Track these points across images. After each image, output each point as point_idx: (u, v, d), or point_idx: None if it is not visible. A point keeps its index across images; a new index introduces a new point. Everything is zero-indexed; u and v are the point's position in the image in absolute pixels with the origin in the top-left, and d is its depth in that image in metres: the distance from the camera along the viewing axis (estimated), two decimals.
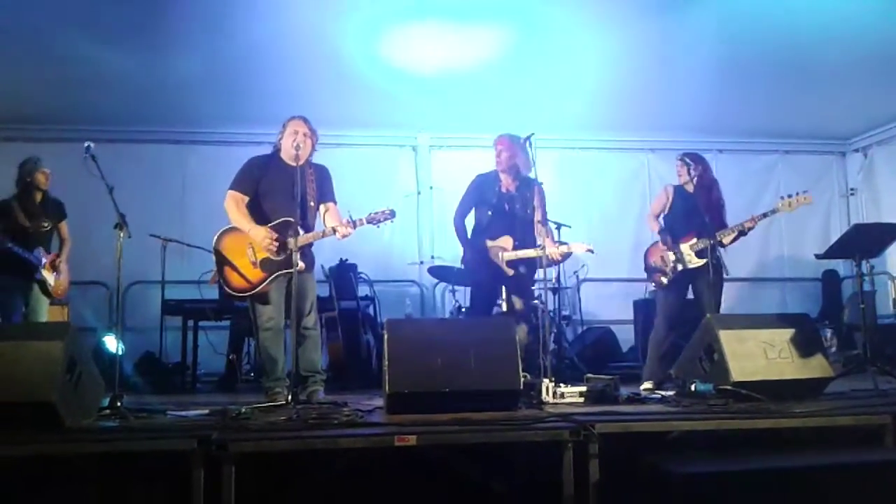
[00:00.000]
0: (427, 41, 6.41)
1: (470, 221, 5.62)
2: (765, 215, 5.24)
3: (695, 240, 5.31)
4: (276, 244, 4.56)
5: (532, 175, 5.19)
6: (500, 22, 6.16)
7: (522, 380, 3.99)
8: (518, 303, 5.42)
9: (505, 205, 5.40)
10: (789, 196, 5.22)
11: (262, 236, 4.57)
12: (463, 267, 5.80)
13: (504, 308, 5.59)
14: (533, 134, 4.88)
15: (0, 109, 7.46)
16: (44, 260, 5.60)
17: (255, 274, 4.61)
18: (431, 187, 8.56)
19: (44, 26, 5.82)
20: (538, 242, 5.16)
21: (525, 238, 5.34)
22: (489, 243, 5.40)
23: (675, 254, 5.37)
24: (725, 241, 5.26)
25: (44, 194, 5.71)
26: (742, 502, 2.97)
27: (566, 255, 5.29)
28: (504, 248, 5.34)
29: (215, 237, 4.75)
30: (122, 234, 4.36)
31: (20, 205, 5.61)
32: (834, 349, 7.46)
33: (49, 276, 5.62)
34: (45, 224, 5.68)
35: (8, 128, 7.77)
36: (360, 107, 7.57)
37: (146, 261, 7.11)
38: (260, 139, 7.90)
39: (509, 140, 5.38)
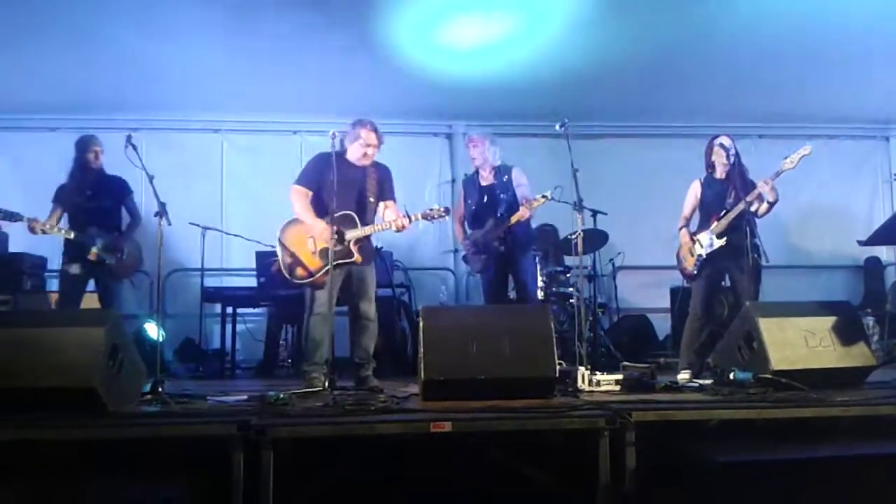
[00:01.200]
0: (462, 28, 6.38)
1: None
2: (772, 178, 5.09)
3: (716, 222, 5.24)
4: (336, 235, 4.69)
5: (571, 161, 5.20)
6: (531, 10, 6.12)
7: (558, 367, 3.98)
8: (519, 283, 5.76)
9: (485, 196, 5.80)
10: (792, 153, 5.08)
11: (321, 228, 4.74)
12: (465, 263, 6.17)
13: (513, 295, 5.73)
14: (567, 121, 4.86)
15: (43, 100, 7.59)
16: (98, 240, 5.45)
17: (314, 263, 4.79)
18: (466, 175, 8.54)
19: (86, 16, 5.89)
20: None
21: (507, 216, 5.66)
22: (477, 234, 5.79)
23: (697, 242, 5.32)
24: (760, 212, 5.16)
25: (99, 172, 5.63)
26: (781, 492, 2.94)
27: (531, 209, 5.57)
28: (489, 230, 5.70)
29: (280, 228, 4.95)
30: (162, 223, 4.43)
31: (74, 184, 5.58)
32: (876, 337, 7.33)
33: (107, 256, 5.46)
34: (102, 203, 5.58)
35: (51, 118, 7.91)
36: (395, 95, 7.56)
37: (186, 249, 7.24)
38: (296, 128, 8.07)
39: (478, 137, 5.88)
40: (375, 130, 4.95)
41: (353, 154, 4.93)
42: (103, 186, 5.64)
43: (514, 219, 5.55)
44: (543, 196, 5.45)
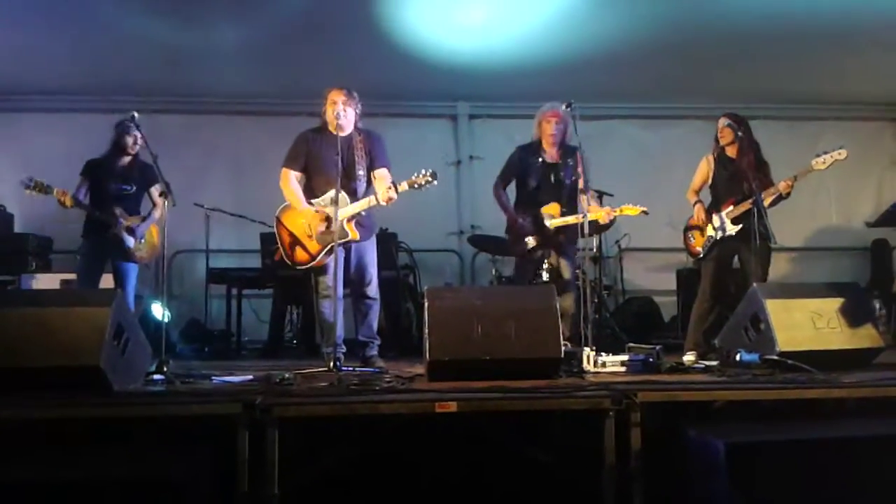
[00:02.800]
0: (466, 9, 6.34)
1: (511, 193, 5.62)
2: (798, 176, 5.06)
3: (731, 207, 5.21)
4: (325, 224, 4.64)
5: (578, 143, 5.14)
6: None
7: (563, 348, 3.97)
8: (566, 271, 5.42)
9: (550, 175, 5.42)
10: (824, 152, 4.99)
11: (310, 216, 4.70)
12: (507, 236, 5.74)
13: (546, 277, 5.57)
14: (573, 102, 4.83)
15: (49, 81, 7.58)
16: (121, 221, 5.48)
17: (313, 246, 4.73)
18: (471, 157, 8.52)
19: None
20: (582, 209, 5.08)
21: (570, 206, 5.36)
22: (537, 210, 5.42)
23: (711, 223, 5.28)
24: (764, 203, 5.12)
25: (133, 158, 5.61)
26: (788, 473, 2.93)
27: (612, 219, 5.32)
28: (552, 216, 5.38)
29: (276, 215, 4.89)
30: (166, 203, 4.42)
31: (106, 165, 5.57)
32: (884, 319, 7.30)
33: (128, 238, 5.49)
34: (128, 187, 5.59)
35: (58, 98, 7.90)
36: (399, 76, 7.53)
37: (191, 230, 7.24)
38: (301, 109, 7.99)
39: (562, 112, 5.31)
40: (341, 88, 4.77)
41: (331, 123, 4.71)
42: (135, 172, 5.63)
43: (596, 216, 5.16)
44: (644, 212, 5.23)
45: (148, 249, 5.68)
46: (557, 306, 4.06)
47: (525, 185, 5.52)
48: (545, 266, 5.48)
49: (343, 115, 4.69)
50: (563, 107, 5.08)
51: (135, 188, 5.65)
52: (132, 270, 5.63)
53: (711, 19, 6.49)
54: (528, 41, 6.88)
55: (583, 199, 5.13)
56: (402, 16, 6.37)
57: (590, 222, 4.86)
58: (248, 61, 7.16)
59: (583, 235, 4.95)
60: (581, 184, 5.14)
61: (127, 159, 5.61)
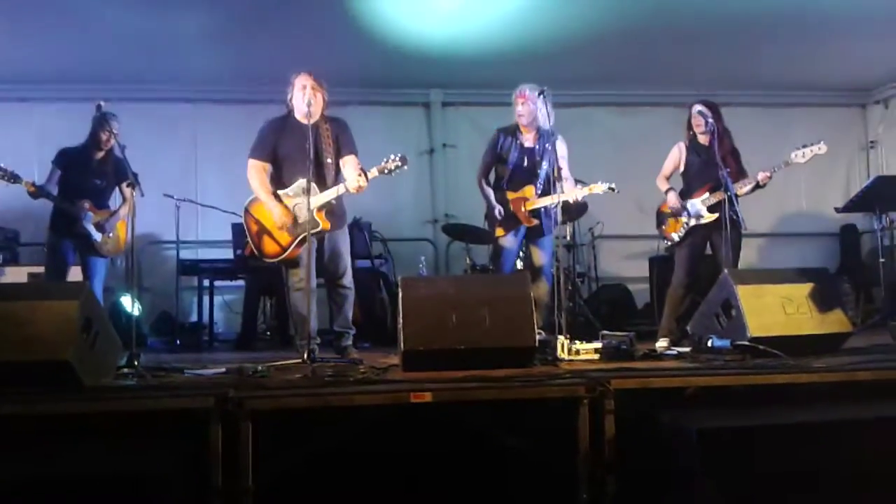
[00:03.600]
0: None
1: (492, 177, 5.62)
2: (777, 168, 5.13)
3: (707, 194, 5.24)
4: (291, 221, 4.58)
5: (550, 130, 5.15)
6: None
7: (537, 337, 3.98)
8: (539, 258, 5.42)
9: (525, 158, 5.40)
10: (804, 146, 5.10)
11: (278, 213, 4.61)
12: (486, 224, 5.73)
13: (520, 265, 5.58)
14: (546, 89, 4.82)
15: (10, 70, 7.42)
16: (90, 214, 5.43)
17: (284, 238, 4.65)
18: (445, 145, 8.49)
19: None
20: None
21: (548, 190, 5.36)
22: (510, 195, 5.41)
23: (686, 209, 5.31)
24: (740, 193, 5.18)
25: (108, 152, 5.52)
26: (759, 457, 2.97)
27: (583, 201, 5.32)
28: (526, 199, 5.37)
29: (244, 206, 4.80)
30: (135, 193, 4.36)
31: (80, 158, 5.50)
32: (852, 304, 7.41)
33: (94, 233, 5.44)
34: (100, 182, 5.54)
35: (19, 88, 7.75)
36: (370, 63, 7.47)
37: (161, 221, 7.15)
38: (270, 97, 7.90)
39: (531, 92, 5.31)
40: (310, 72, 4.67)
41: (299, 110, 4.59)
42: (108, 167, 5.56)
43: (568, 196, 5.22)
44: (611, 188, 5.25)
45: (115, 244, 5.62)
46: (531, 294, 4.06)
47: (502, 167, 5.49)
48: (520, 254, 5.50)
49: (313, 100, 4.58)
50: (536, 92, 5.07)
51: (106, 183, 5.59)
52: (101, 265, 5.58)
53: (683, 7, 6.51)
54: (502, 28, 6.85)
55: (562, 182, 5.22)
56: (374, 1, 6.31)
57: (564, 208, 4.88)
58: (213, 47, 7.03)
59: (555, 223, 4.98)
60: (558, 170, 5.21)
61: (101, 154, 5.54)
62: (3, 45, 6.83)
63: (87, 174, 5.50)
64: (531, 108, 5.33)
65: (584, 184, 5.42)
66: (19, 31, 6.57)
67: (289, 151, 4.66)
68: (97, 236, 5.46)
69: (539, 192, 5.38)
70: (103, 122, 5.34)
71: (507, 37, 7.00)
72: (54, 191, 5.40)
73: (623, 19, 6.68)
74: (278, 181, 4.75)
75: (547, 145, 5.39)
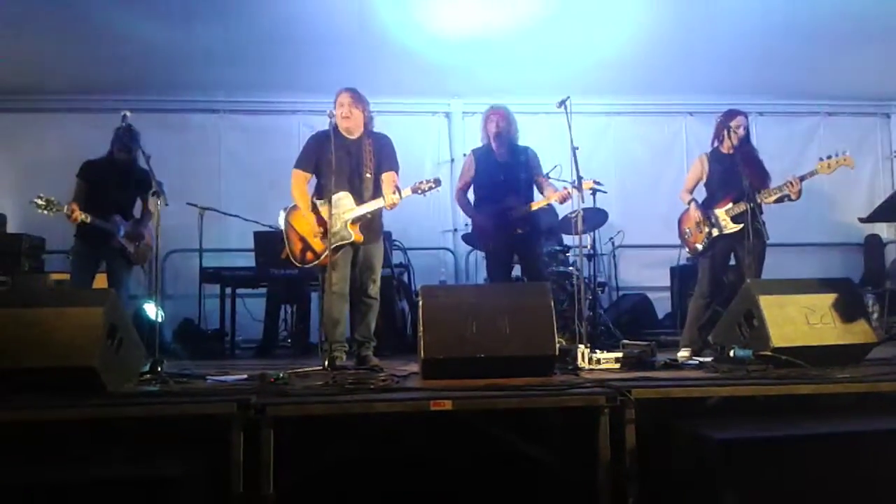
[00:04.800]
0: (459, 5, 6.32)
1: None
2: (803, 178, 5.09)
3: (731, 204, 5.21)
4: (323, 230, 4.73)
5: (570, 139, 5.15)
6: None
7: (558, 346, 3.97)
8: (530, 262, 5.58)
9: (502, 174, 5.53)
10: (828, 157, 5.05)
11: (312, 221, 4.80)
12: (475, 235, 5.91)
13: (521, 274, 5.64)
14: (568, 98, 4.83)
15: (40, 81, 7.55)
16: (122, 228, 5.53)
17: (319, 245, 4.79)
18: (465, 154, 8.49)
19: None
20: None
21: (527, 199, 5.49)
22: (493, 208, 5.52)
23: (709, 220, 5.28)
24: (768, 200, 5.14)
25: (132, 163, 5.56)
26: (782, 468, 2.94)
27: (567, 197, 5.31)
28: (511, 208, 5.46)
29: (284, 213, 4.95)
30: (159, 202, 4.41)
31: (105, 170, 5.56)
32: (877, 315, 7.33)
33: (128, 245, 5.54)
34: (125, 193, 5.63)
35: (47, 99, 7.87)
36: (392, 74, 7.51)
37: (184, 229, 7.21)
38: (294, 108, 8.02)
39: (505, 111, 5.57)
40: (349, 90, 4.86)
41: (341, 125, 4.84)
42: (132, 178, 5.61)
43: (552, 197, 5.36)
44: (596, 182, 5.30)
45: (145, 253, 5.72)
46: (552, 304, 4.06)
47: (481, 185, 5.65)
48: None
49: (349, 116, 4.78)
50: (556, 105, 5.06)
51: (130, 194, 5.68)
52: (129, 274, 5.67)
53: (706, 16, 6.50)
54: (523, 38, 6.87)
55: (543, 187, 5.45)
56: (395, 12, 6.36)
57: (583, 218, 4.90)
58: (239, 59, 7.13)
59: (576, 232, 4.98)
60: (537, 175, 5.50)
61: (125, 165, 5.59)
62: (30, 57, 6.95)
63: (113, 186, 5.56)
64: (498, 125, 5.52)
65: (597, 194, 5.46)
66: (46, 43, 6.68)
67: (330, 165, 4.75)
68: (131, 248, 5.57)
69: (522, 200, 5.47)
70: (125, 134, 5.43)
71: (528, 47, 7.01)
72: (83, 204, 5.44)
73: (645, 28, 6.68)
74: (320, 192, 4.90)
75: (521, 158, 5.55)
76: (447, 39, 6.92)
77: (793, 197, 5.12)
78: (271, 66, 7.33)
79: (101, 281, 5.71)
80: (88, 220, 5.29)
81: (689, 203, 5.43)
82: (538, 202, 5.45)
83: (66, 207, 5.25)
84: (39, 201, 5.21)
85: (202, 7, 6.16)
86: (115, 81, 7.51)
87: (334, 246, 4.67)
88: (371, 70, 7.17)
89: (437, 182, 4.81)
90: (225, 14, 6.28)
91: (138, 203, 5.78)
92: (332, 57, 6.94)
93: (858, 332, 4.24)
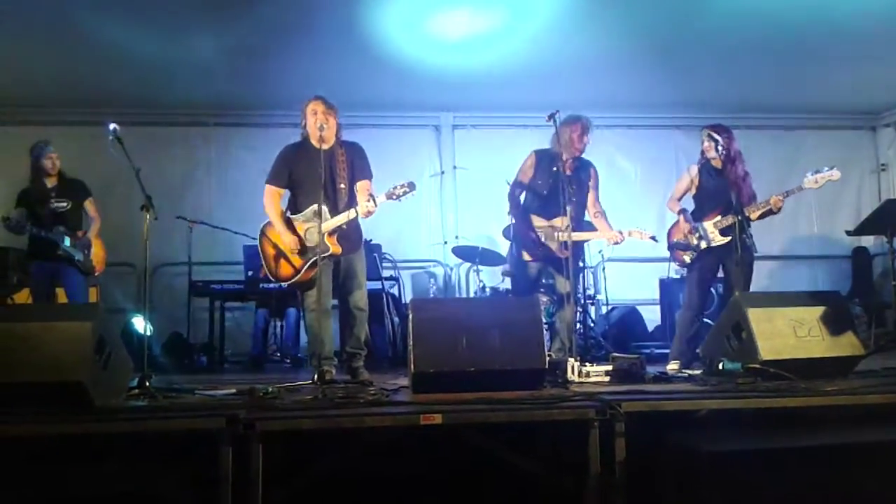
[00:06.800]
0: (450, 20, 6.37)
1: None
2: (789, 193, 5.13)
3: (719, 217, 5.24)
4: (300, 245, 4.68)
5: (559, 153, 5.16)
6: (520, 2, 6.12)
7: (547, 359, 3.98)
8: (566, 285, 5.17)
9: (562, 185, 5.09)
10: (816, 172, 5.10)
11: (288, 240, 4.70)
12: (511, 242, 5.68)
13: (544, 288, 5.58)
14: (557, 112, 4.86)
15: (24, 93, 7.54)
16: (66, 238, 5.68)
17: (297, 261, 4.72)
18: (455, 167, 8.53)
19: (67, 8, 5.85)
20: (591, 224, 5.31)
21: (578, 221, 5.30)
22: (543, 223, 5.33)
23: (698, 232, 5.31)
24: (753, 216, 5.18)
25: (58, 177, 5.82)
26: (770, 481, 2.95)
27: (619, 242, 5.31)
28: (559, 229, 5.24)
29: (260, 229, 4.86)
30: (148, 216, 4.39)
31: (33, 189, 5.77)
32: (864, 327, 7.36)
33: (76, 253, 5.69)
34: (63, 204, 5.76)
35: (32, 111, 7.85)
36: (382, 87, 7.55)
37: (173, 243, 7.20)
38: (283, 121, 8.01)
39: (587, 123, 5.29)
40: (322, 99, 4.74)
41: (313, 135, 4.69)
42: (65, 189, 5.83)
43: (609, 239, 5.27)
44: (653, 238, 5.26)
45: (96, 261, 5.86)
46: (542, 317, 4.06)
47: (535, 192, 5.36)
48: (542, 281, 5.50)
49: (325, 125, 4.64)
50: (546, 118, 5.03)
51: (69, 204, 5.80)
52: (81, 283, 5.80)
53: (695, 31, 6.57)
54: (512, 52, 6.92)
55: (596, 215, 5.33)
56: (384, 26, 6.39)
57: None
58: (228, 72, 7.15)
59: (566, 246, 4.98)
60: (593, 198, 5.33)
61: (53, 179, 5.80)
62: (20, 70, 6.94)
63: (47, 202, 5.73)
64: (586, 139, 5.28)
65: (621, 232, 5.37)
66: (35, 56, 6.68)
67: (303, 177, 4.71)
68: (79, 256, 5.71)
69: (572, 224, 5.05)
70: (41, 151, 5.71)
71: (517, 61, 7.05)
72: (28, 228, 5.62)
73: (633, 44, 6.73)
74: (294, 206, 4.82)
75: (583, 175, 5.35)
76: (436, 53, 6.95)
77: (774, 210, 5.16)
78: (261, 80, 7.34)
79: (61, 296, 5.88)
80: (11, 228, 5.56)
81: (678, 213, 5.45)
82: (587, 234, 5.39)
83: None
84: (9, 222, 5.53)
85: (192, 21, 6.16)
86: (105, 95, 7.51)
87: (313, 260, 4.58)
88: (359, 83, 7.20)
89: (412, 186, 4.63)
90: (215, 28, 6.29)
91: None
92: (323, 70, 6.96)
93: (846, 345, 4.26)
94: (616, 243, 5.31)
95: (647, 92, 7.92)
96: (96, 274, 5.92)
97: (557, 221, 5.25)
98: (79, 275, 5.74)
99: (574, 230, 5.08)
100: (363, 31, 6.43)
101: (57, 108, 7.80)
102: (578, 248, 5.39)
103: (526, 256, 5.35)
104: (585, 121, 5.31)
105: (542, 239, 5.28)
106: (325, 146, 4.63)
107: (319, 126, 4.63)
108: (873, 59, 7.12)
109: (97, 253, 5.86)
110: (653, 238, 5.29)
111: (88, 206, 5.91)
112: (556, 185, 5.10)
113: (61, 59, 6.81)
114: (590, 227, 5.55)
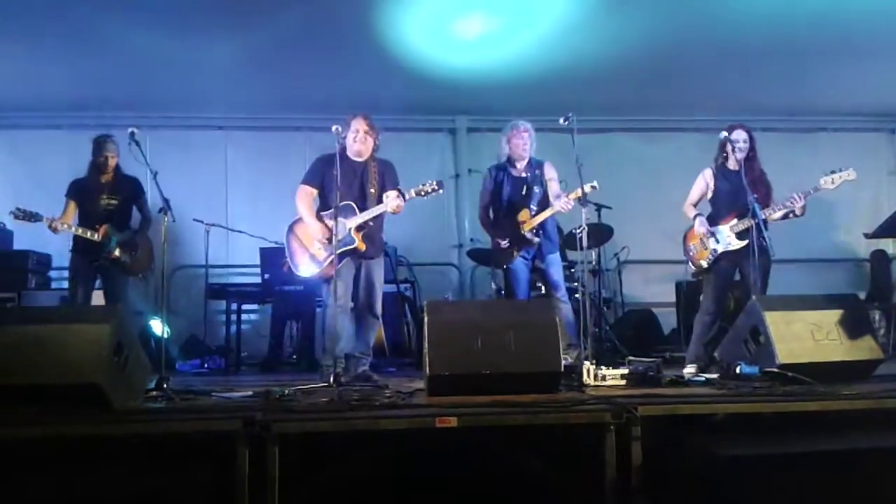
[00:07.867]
0: (465, 23, 6.37)
1: None
2: (808, 194, 5.08)
3: (735, 220, 5.20)
4: (328, 235, 4.83)
5: (575, 156, 5.17)
6: (534, 4, 6.12)
7: (563, 362, 3.97)
8: (548, 276, 5.52)
9: (523, 188, 5.59)
10: (832, 172, 5.05)
11: (316, 227, 4.90)
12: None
13: (543, 290, 5.59)
14: (572, 114, 4.85)
15: (46, 98, 7.60)
16: (114, 238, 5.54)
17: (321, 254, 4.90)
18: (470, 170, 8.52)
19: (87, 13, 5.89)
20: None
21: (541, 210, 5.52)
22: (510, 222, 5.54)
23: (714, 236, 5.28)
24: (773, 217, 5.14)
25: (114, 173, 5.71)
26: (787, 485, 2.93)
27: (571, 202, 5.26)
28: (523, 221, 5.50)
29: (289, 225, 5.06)
30: (166, 219, 4.43)
31: (90, 183, 5.68)
32: (883, 331, 7.30)
33: (123, 255, 5.56)
34: (113, 202, 5.66)
35: (54, 116, 7.92)
36: (398, 90, 7.55)
37: (190, 245, 7.24)
38: (299, 125, 8.06)
39: (530, 129, 5.61)
40: (365, 118, 5.02)
41: (350, 149, 5.00)
42: (118, 186, 5.72)
43: (559, 206, 5.33)
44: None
45: (142, 262, 5.74)
46: (558, 320, 4.06)
47: (498, 202, 5.68)
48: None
49: (362, 142, 4.96)
50: (562, 121, 5.05)
51: (120, 200, 5.70)
52: (126, 284, 5.71)
53: (710, 33, 6.52)
54: (527, 55, 6.91)
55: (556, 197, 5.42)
56: (400, 30, 6.40)
57: (588, 234, 4.91)
58: (244, 75, 7.17)
59: (580, 248, 4.98)
60: (554, 187, 5.51)
61: (107, 176, 5.70)
62: (38, 73, 7.00)
63: (99, 198, 5.64)
64: (527, 142, 5.59)
65: (603, 210, 5.44)
66: (54, 59, 6.72)
67: (336, 184, 4.78)
68: (126, 258, 5.58)
69: (533, 213, 5.51)
70: (101, 146, 5.61)
71: (532, 64, 7.04)
72: (76, 221, 5.54)
73: (649, 46, 6.70)
74: (324, 208, 5.03)
75: (537, 171, 5.60)
76: (451, 56, 6.96)
77: (797, 212, 5.12)
78: (278, 83, 7.37)
79: (98, 297, 5.75)
80: (70, 229, 5.42)
81: (694, 218, 5.42)
82: (543, 213, 5.48)
83: (45, 219, 5.37)
84: (18, 213, 5.42)
85: (207, 24, 6.19)
86: (122, 99, 7.56)
87: (339, 251, 4.67)
88: (375, 86, 7.21)
89: (440, 184, 4.97)
90: (230, 31, 6.32)
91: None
92: (339, 73, 6.98)
93: (865, 349, 4.23)
94: (566, 209, 5.30)
95: (663, 94, 7.88)
96: (143, 275, 5.84)
97: (521, 215, 5.53)
98: (122, 274, 5.63)
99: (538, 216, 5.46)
100: (379, 36, 6.44)
101: (75, 112, 7.84)
102: (548, 237, 5.55)
103: (505, 258, 5.59)
104: (521, 125, 5.63)
105: (513, 232, 5.50)
106: (360, 158, 4.99)
107: (356, 140, 4.96)
108: (890, 61, 7.05)
109: (142, 255, 5.71)
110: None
111: (140, 205, 5.79)
112: (516, 189, 5.60)
113: (78, 64, 6.84)
114: None
